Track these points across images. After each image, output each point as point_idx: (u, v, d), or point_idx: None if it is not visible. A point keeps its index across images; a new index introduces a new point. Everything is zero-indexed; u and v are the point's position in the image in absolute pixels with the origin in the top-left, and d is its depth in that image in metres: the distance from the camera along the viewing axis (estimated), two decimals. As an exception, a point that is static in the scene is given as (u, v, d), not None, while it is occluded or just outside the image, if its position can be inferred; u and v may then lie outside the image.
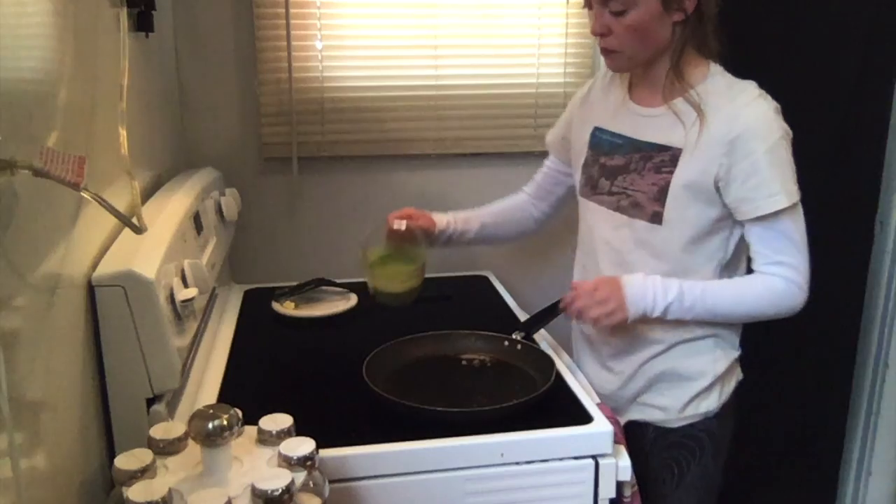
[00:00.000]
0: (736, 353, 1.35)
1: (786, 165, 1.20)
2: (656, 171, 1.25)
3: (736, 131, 1.19)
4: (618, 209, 1.31)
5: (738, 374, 1.37)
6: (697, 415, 1.33)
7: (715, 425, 1.34)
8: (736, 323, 1.32)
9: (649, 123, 1.29)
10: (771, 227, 1.21)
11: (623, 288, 1.23)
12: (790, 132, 1.21)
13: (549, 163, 1.56)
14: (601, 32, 1.22)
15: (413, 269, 1.38)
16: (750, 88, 1.23)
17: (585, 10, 1.29)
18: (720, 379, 1.32)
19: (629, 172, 1.29)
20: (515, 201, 1.58)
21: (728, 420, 1.36)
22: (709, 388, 1.32)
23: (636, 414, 1.36)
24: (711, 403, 1.32)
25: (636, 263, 1.29)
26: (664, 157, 1.25)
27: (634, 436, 1.35)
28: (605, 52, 1.25)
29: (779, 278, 1.22)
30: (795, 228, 1.22)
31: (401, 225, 1.39)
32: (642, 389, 1.35)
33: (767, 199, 1.19)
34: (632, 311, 1.23)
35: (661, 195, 1.24)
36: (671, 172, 1.23)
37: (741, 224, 1.24)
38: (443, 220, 1.48)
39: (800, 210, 1.22)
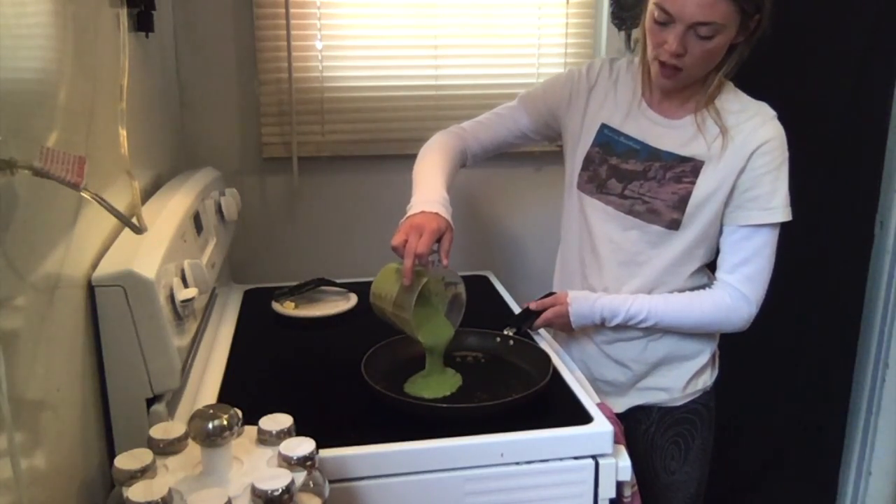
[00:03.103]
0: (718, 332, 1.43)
1: (785, 186, 1.26)
2: (676, 181, 1.29)
3: (753, 145, 1.25)
4: (631, 213, 1.33)
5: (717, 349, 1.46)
6: (696, 391, 1.41)
7: (709, 398, 1.43)
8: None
9: (669, 133, 1.31)
10: (749, 237, 1.28)
11: (570, 316, 1.35)
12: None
13: (515, 119, 1.45)
14: (679, 53, 1.20)
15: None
16: (765, 108, 1.28)
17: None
18: (713, 355, 1.42)
19: (647, 180, 1.31)
20: (458, 152, 1.43)
21: (715, 394, 1.45)
22: (706, 365, 1.41)
23: (639, 399, 1.41)
24: (707, 379, 1.42)
25: (646, 264, 1.34)
26: (685, 168, 1.29)
27: (637, 419, 1.41)
28: (670, 70, 1.23)
29: (729, 292, 1.29)
30: (769, 247, 1.28)
31: (435, 263, 1.19)
32: (645, 374, 1.40)
33: (762, 211, 1.26)
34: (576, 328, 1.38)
35: (682, 204, 1.28)
36: (692, 183, 1.28)
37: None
38: (447, 211, 1.29)
39: (777, 234, 1.28)
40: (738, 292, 1.29)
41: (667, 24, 1.19)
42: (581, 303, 1.35)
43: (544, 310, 1.39)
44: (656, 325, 1.33)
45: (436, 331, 1.24)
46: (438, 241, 1.19)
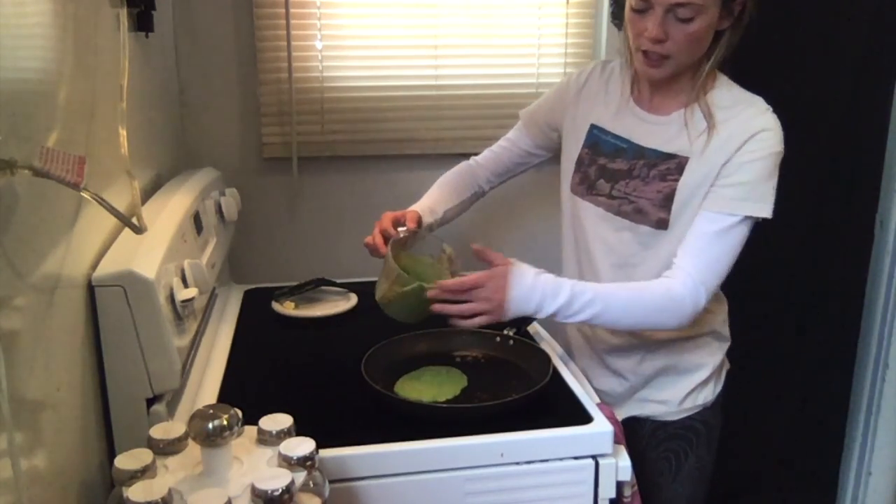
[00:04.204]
0: (727, 344, 1.39)
1: (767, 181, 1.19)
2: (661, 178, 1.25)
3: (743, 137, 1.18)
4: (619, 213, 1.29)
5: (726, 363, 1.41)
6: (696, 406, 1.36)
7: (710, 415, 1.38)
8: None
9: (655, 130, 1.28)
10: (714, 221, 1.19)
11: (508, 289, 1.16)
12: (783, 153, 1.20)
13: (516, 139, 1.50)
14: (660, 38, 1.16)
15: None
16: (759, 102, 1.23)
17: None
18: (716, 370, 1.37)
19: (632, 178, 1.28)
20: (471, 177, 1.52)
21: (720, 408, 1.39)
22: (707, 380, 1.35)
23: (635, 410, 1.38)
24: (708, 395, 1.37)
25: (640, 265, 1.29)
26: (670, 165, 1.24)
27: (631, 430, 1.36)
28: (655, 58, 1.19)
29: (681, 277, 1.19)
30: (733, 238, 1.19)
31: (405, 231, 1.30)
32: (641, 385, 1.37)
33: (734, 201, 1.19)
34: (510, 313, 1.17)
35: (667, 202, 1.24)
36: (677, 180, 1.23)
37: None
38: (417, 209, 1.41)
39: (750, 229, 1.20)
40: (690, 278, 1.18)
41: (645, 10, 1.16)
42: (523, 272, 1.18)
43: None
44: (600, 315, 1.17)
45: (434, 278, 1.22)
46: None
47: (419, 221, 1.35)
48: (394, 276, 1.20)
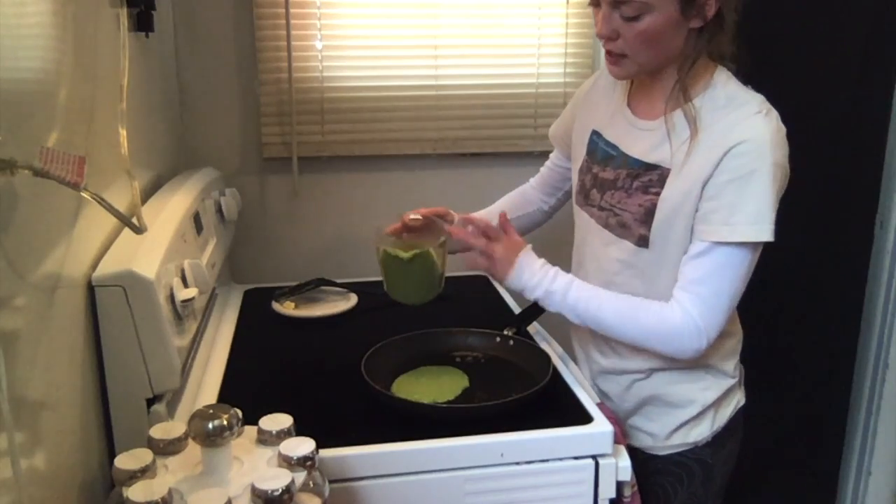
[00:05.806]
0: (730, 381, 1.27)
1: (758, 198, 1.07)
2: (644, 191, 1.16)
3: (724, 147, 1.08)
4: (606, 226, 1.23)
5: (736, 401, 1.29)
6: (686, 444, 1.26)
7: (707, 453, 1.27)
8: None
9: (641, 137, 1.19)
10: (706, 253, 1.10)
11: (521, 252, 1.21)
12: (786, 164, 1.10)
13: (553, 157, 1.49)
14: (609, 36, 1.10)
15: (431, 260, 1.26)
16: (752, 103, 1.11)
17: (589, 10, 1.18)
18: (712, 407, 1.25)
19: (616, 189, 1.20)
20: (525, 197, 1.53)
21: (724, 447, 1.29)
22: (698, 417, 1.25)
23: (629, 438, 1.30)
24: (703, 432, 1.26)
25: (623, 286, 1.21)
26: (652, 177, 1.15)
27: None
28: (612, 57, 1.13)
29: (679, 311, 1.12)
30: (731, 269, 1.10)
31: (417, 216, 1.32)
32: (631, 412, 1.30)
33: (721, 227, 1.09)
34: (510, 276, 1.21)
35: (648, 217, 1.15)
36: (658, 194, 1.14)
37: None
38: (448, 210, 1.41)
39: (752, 254, 1.10)
40: (688, 315, 1.11)
41: (597, 5, 1.11)
42: (534, 256, 1.21)
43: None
44: (595, 317, 1.16)
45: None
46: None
47: (440, 213, 1.35)
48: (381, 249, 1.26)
